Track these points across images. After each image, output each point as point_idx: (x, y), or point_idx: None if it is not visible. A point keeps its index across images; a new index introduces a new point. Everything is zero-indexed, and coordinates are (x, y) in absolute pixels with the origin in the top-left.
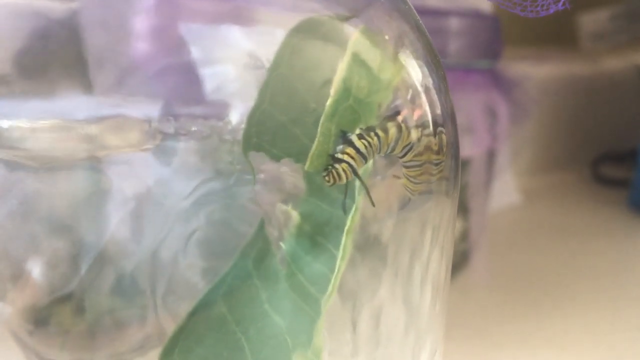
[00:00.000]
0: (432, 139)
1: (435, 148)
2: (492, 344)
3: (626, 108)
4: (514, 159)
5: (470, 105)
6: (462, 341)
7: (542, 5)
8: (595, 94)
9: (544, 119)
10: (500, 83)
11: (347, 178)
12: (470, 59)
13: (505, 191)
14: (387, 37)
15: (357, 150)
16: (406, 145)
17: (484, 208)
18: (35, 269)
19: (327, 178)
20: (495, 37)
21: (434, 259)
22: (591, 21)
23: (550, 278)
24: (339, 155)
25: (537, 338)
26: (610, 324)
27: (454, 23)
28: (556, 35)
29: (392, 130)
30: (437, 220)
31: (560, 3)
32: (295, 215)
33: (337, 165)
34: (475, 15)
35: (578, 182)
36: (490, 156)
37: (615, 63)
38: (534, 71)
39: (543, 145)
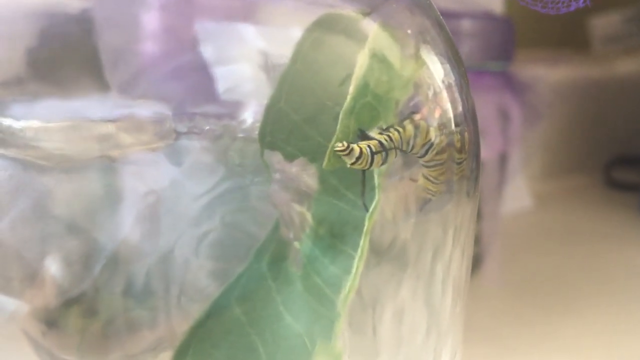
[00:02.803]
0: (453, 137)
1: (458, 146)
2: (504, 347)
3: (639, 111)
4: (526, 162)
5: (483, 107)
6: (474, 345)
7: (563, 3)
8: (607, 98)
9: (556, 123)
10: (512, 85)
11: (360, 158)
12: (482, 61)
13: (517, 195)
14: (409, 31)
15: (379, 142)
16: (426, 144)
17: (496, 212)
18: (49, 269)
19: (339, 145)
20: (507, 40)
21: (455, 259)
22: (603, 24)
23: (563, 282)
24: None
25: (549, 342)
26: (622, 328)
27: (466, 25)
28: (568, 38)
29: (409, 127)
30: (459, 220)
31: (581, 1)
32: (311, 216)
33: (353, 145)
34: (487, 17)
35: (590, 186)
36: (503, 159)
37: (627, 66)
38: (546, 74)
39: (555, 149)
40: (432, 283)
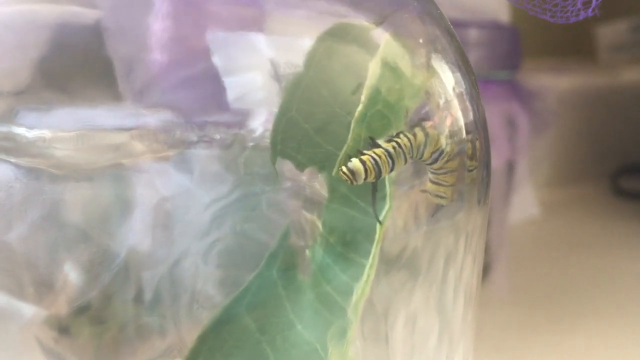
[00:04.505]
0: (464, 145)
1: (469, 154)
2: (511, 357)
3: None
4: (533, 171)
5: (490, 116)
6: (480, 354)
7: (572, 12)
8: (614, 106)
9: (563, 131)
10: (519, 94)
11: (365, 172)
12: (489, 70)
13: (525, 203)
14: (420, 40)
15: (385, 150)
16: (435, 151)
17: (503, 220)
18: (61, 277)
19: (342, 171)
20: (514, 48)
21: (467, 267)
22: (609, 33)
23: (570, 291)
24: (365, 153)
25: (556, 352)
26: (630, 337)
27: (473, 34)
28: (575, 46)
29: (420, 134)
30: (470, 227)
31: (590, 10)
32: (322, 224)
33: (353, 159)
34: (494, 26)
35: (597, 194)
36: (510, 168)
37: (634, 74)
38: (553, 83)
39: (562, 158)
40: (444, 290)
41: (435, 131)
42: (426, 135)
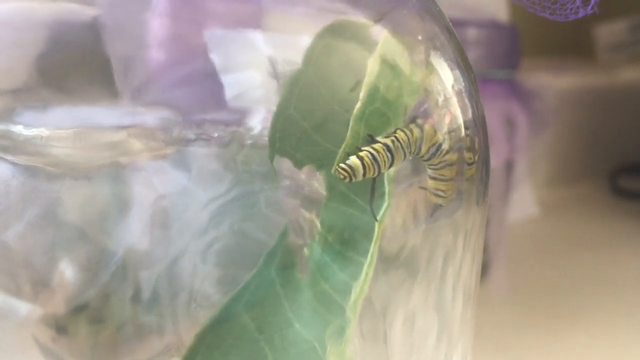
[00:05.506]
0: (463, 142)
1: (468, 151)
2: (510, 357)
3: None
4: (532, 170)
5: (488, 115)
6: (479, 353)
7: (571, 10)
8: (613, 105)
9: (562, 131)
10: (518, 93)
11: (363, 168)
12: (488, 69)
13: (524, 203)
14: (419, 37)
15: (384, 144)
16: (432, 146)
17: (502, 219)
18: (58, 276)
19: (340, 167)
20: (513, 48)
21: (466, 265)
22: (608, 32)
23: (569, 291)
24: (363, 149)
25: (555, 351)
26: (629, 336)
27: (471, 33)
28: (574, 46)
29: (415, 130)
30: (469, 225)
31: (589, 7)
32: (320, 223)
33: (351, 157)
34: (493, 25)
35: (596, 194)
36: (509, 167)
37: (632, 74)
38: (552, 82)
39: (561, 157)
40: (442, 289)
41: (430, 127)
42: (421, 131)
